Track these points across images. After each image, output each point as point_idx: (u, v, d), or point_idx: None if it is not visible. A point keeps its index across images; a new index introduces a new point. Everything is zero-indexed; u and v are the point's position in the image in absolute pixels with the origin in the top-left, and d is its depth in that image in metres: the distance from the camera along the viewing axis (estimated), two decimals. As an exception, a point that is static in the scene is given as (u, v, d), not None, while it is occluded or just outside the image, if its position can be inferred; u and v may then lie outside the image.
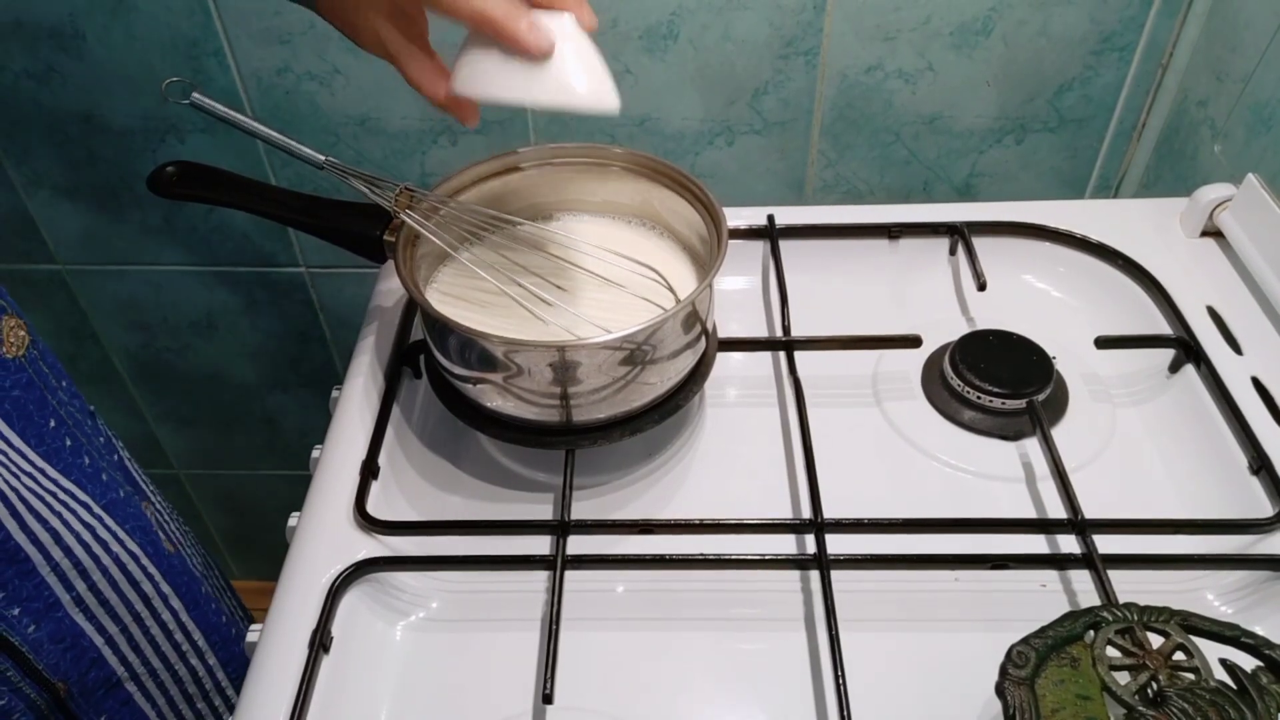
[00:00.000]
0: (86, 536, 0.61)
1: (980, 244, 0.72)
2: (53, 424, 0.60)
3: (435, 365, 0.61)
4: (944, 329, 0.68)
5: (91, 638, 0.63)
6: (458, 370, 0.57)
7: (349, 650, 0.52)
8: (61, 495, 0.60)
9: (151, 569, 0.66)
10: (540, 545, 0.56)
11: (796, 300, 0.68)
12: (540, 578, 0.56)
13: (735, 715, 0.50)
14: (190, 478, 1.30)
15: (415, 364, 0.66)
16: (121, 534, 0.64)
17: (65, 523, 0.60)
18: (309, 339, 1.10)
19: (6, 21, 0.82)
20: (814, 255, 0.74)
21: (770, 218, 0.75)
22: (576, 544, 0.55)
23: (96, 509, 0.62)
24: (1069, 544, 0.55)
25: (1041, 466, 0.60)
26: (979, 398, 0.63)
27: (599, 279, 0.61)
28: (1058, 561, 0.54)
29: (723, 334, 0.65)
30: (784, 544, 0.56)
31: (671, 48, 0.82)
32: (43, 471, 0.59)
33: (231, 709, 0.63)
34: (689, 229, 0.63)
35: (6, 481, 0.56)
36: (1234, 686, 0.41)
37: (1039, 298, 0.73)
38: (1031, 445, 0.62)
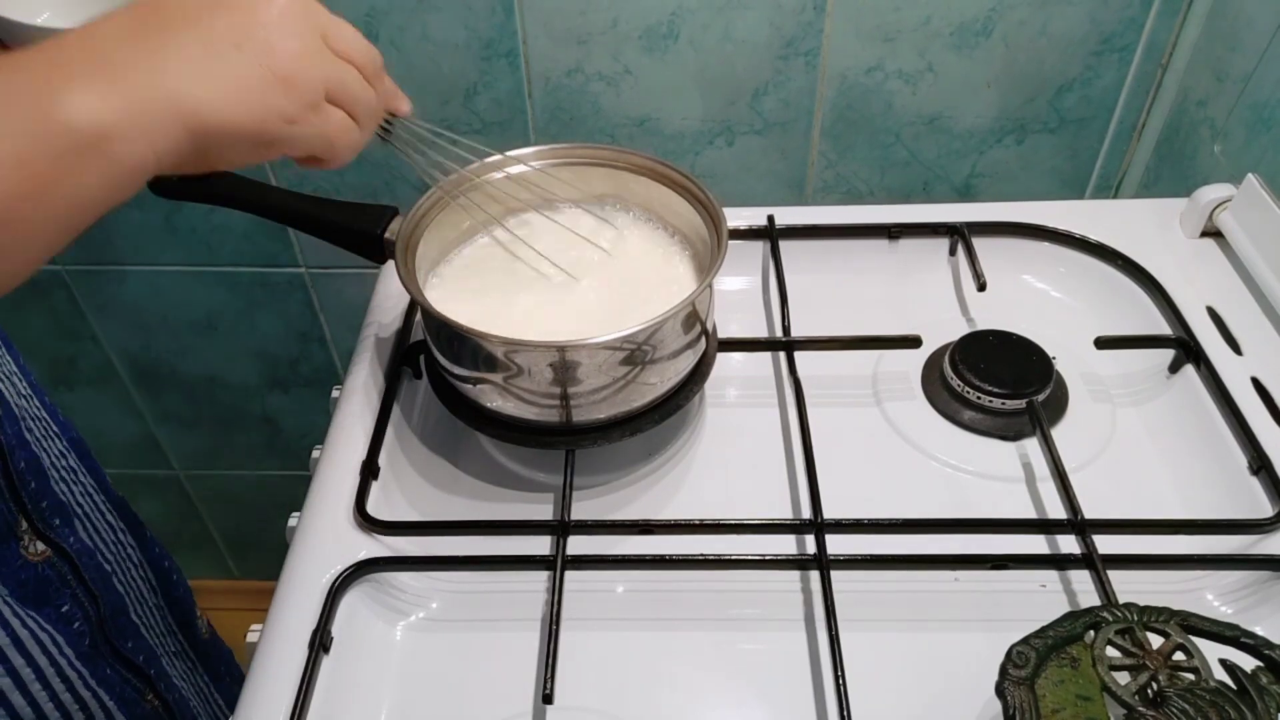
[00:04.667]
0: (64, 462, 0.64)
1: (980, 244, 0.72)
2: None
3: (435, 365, 0.61)
4: (944, 329, 0.68)
5: (100, 553, 0.64)
6: (457, 370, 0.57)
7: (349, 650, 0.52)
8: (44, 420, 0.63)
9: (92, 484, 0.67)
10: (540, 545, 0.56)
11: (796, 300, 0.68)
12: (540, 578, 0.56)
13: (735, 715, 0.50)
14: (190, 478, 1.30)
15: (415, 364, 0.66)
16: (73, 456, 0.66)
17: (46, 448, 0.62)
18: (309, 339, 1.10)
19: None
20: (814, 255, 0.74)
21: (770, 218, 0.75)
22: (576, 544, 0.55)
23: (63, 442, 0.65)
24: (1069, 544, 0.55)
25: (1041, 467, 0.60)
26: (979, 398, 0.63)
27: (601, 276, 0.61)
28: (1058, 561, 0.54)
29: (723, 334, 0.65)
30: (784, 544, 0.56)
31: (671, 48, 0.82)
32: (30, 398, 0.62)
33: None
34: (689, 229, 0.63)
35: (16, 403, 0.58)
36: (1234, 687, 0.41)
37: (1039, 298, 0.73)
38: (1031, 445, 0.62)
